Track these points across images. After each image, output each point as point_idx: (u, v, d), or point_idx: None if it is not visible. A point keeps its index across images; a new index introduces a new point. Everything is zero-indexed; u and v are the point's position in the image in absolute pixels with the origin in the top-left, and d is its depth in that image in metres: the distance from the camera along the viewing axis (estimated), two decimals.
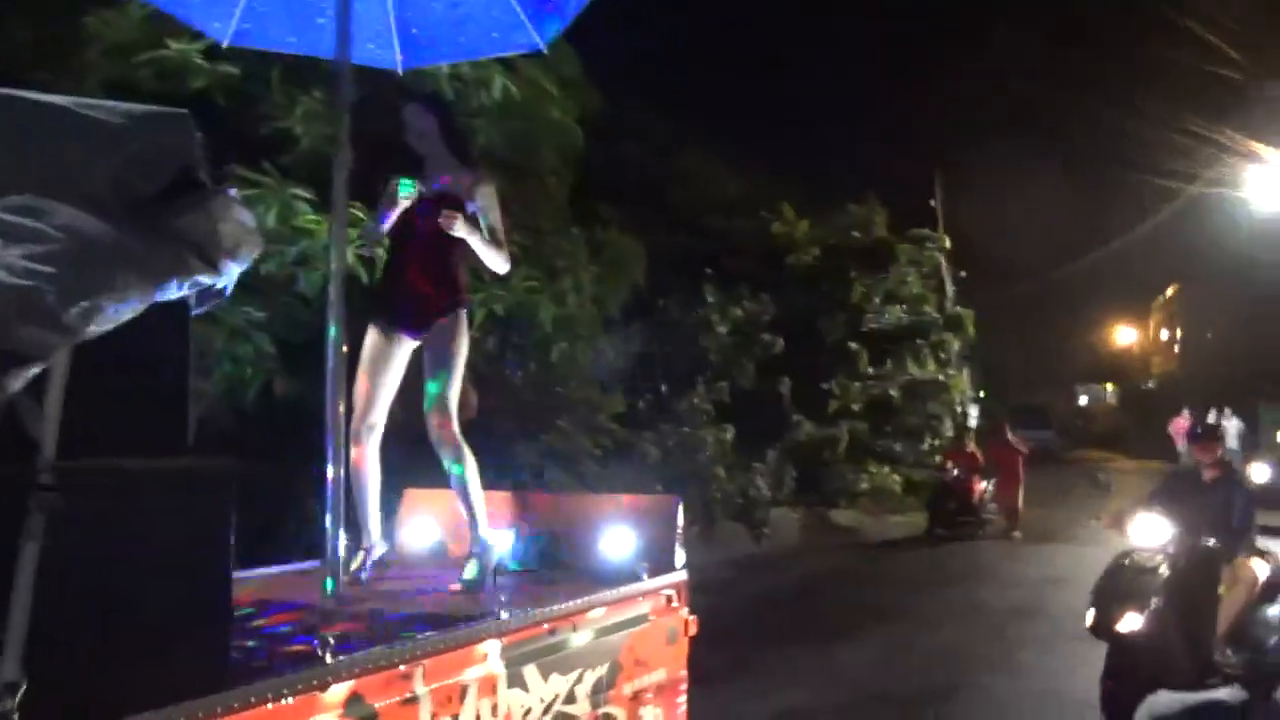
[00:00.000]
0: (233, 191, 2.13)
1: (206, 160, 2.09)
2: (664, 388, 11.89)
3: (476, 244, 3.51)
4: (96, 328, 1.77)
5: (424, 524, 4.13)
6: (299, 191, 5.10)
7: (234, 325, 4.84)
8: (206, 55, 5.15)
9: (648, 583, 3.43)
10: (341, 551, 3.26)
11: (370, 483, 3.59)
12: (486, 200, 3.58)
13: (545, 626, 2.90)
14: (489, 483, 3.83)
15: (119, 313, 1.81)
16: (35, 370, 1.68)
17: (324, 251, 4.03)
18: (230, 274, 2.07)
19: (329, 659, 2.20)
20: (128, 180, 1.91)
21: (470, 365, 3.94)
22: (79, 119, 1.87)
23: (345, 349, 3.27)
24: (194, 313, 2.48)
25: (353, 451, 3.51)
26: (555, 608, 2.97)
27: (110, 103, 1.95)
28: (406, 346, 3.62)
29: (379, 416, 3.56)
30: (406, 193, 3.41)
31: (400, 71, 4.27)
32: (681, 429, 11.41)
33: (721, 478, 11.96)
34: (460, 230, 3.43)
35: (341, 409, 3.26)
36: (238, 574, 3.58)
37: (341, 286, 3.28)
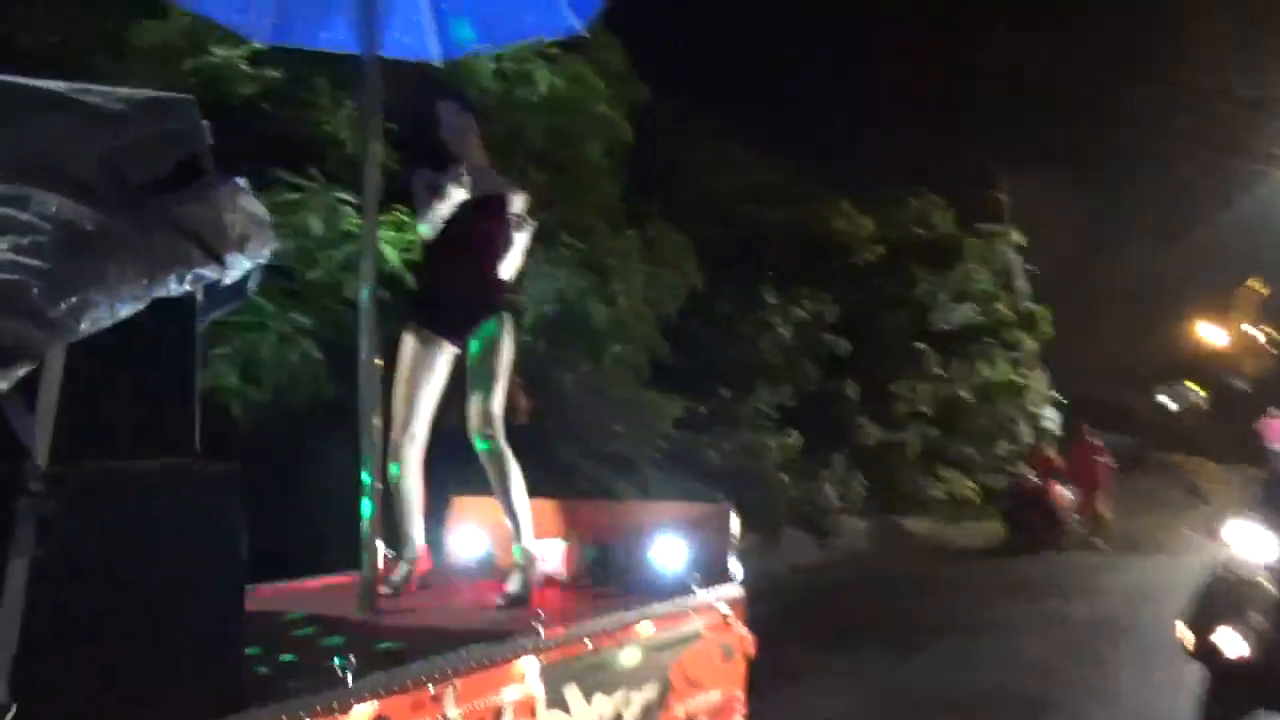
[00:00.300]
0: (241, 181, 2.00)
1: (212, 148, 1.97)
2: (725, 391, 11.63)
3: (520, 250, 3.42)
4: (89, 325, 1.65)
5: (472, 533, 4.00)
6: (344, 196, 5.03)
7: (282, 331, 4.79)
8: (251, 61, 5.13)
9: (701, 596, 3.22)
10: (381, 563, 3.15)
11: (413, 494, 3.46)
12: (522, 206, 3.47)
13: (588, 643, 2.72)
14: (544, 490, 3.68)
15: (115, 309, 1.68)
16: (21, 369, 1.56)
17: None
18: (238, 267, 1.94)
19: (350, 679, 2.05)
20: (125, 168, 1.79)
21: (519, 369, 3.79)
22: (72, 104, 1.75)
23: (380, 361, 3.17)
24: (219, 314, 2.37)
25: (392, 463, 3.39)
26: (599, 623, 2.79)
27: (109, 88, 1.83)
28: (449, 352, 3.48)
29: (421, 426, 3.43)
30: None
31: (439, 64, 4.17)
32: (744, 434, 11.15)
33: (786, 484, 11.66)
34: (524, 236, 3.35)
35: (376, 418, 3.16)
36: (274, 586, 3.51)
37: (373, 290, 3.18)
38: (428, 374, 3.42)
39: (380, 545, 3.15)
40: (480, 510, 3.93)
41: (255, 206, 2.02)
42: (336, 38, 3.79)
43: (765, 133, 16.05)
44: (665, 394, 8.95)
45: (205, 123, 2.10)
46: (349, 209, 4.99)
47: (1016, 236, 20.45)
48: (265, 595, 3.40)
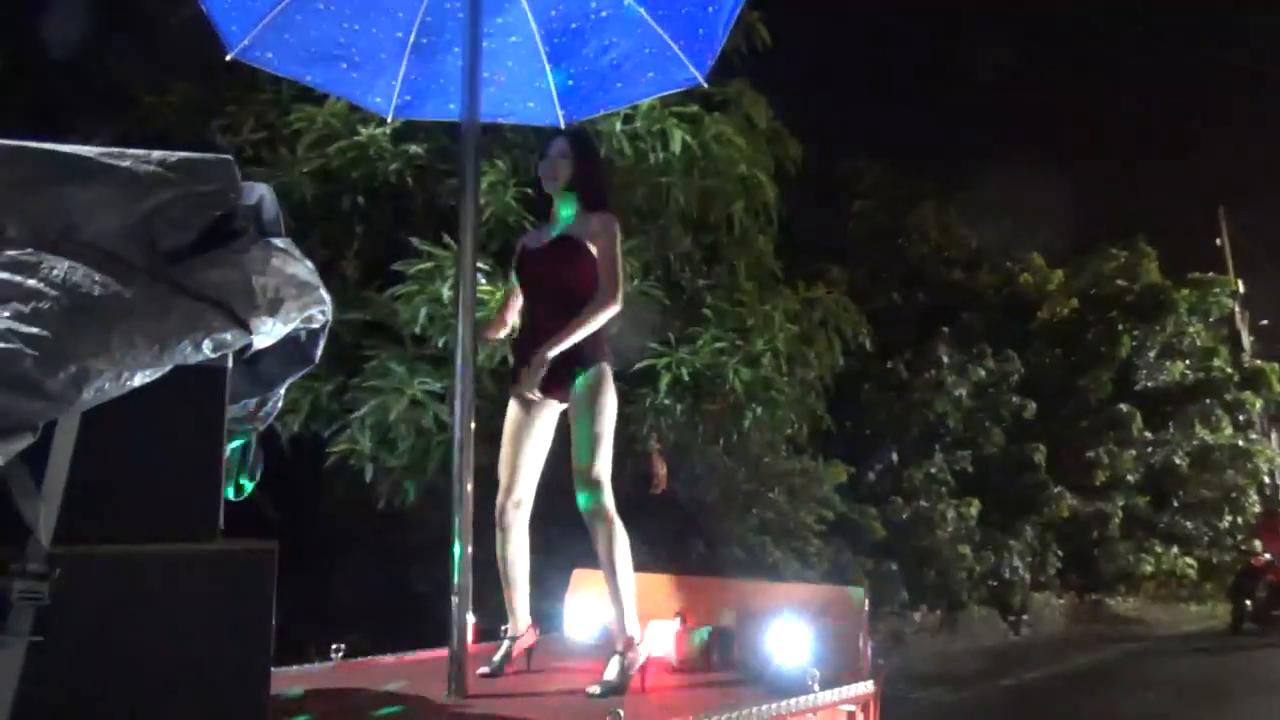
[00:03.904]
0: (279, 241, 1.91)
1: (251, 207, 1.90)
2: (894, 457, 10.91)
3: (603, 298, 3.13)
4: (94, 395, 1.57)
5: (591, 609, 3.78)
6: (480, 264, 5.06)
7: (413, 396, 4.82)
8: (394, 139, 5.30)
9: (822, 694, 2.84)
10: (470, 639, 2.98)
11: (518, 565, 3.27)
12: (600, 236, 3.16)
13: None
14: (676, 564, 3.42)
15: (123, 379, 1.61)
16: (17, 443, 1.50)
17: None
18: (268, 332, 1.83)
19: None
20: (154, 231, 1.74)
21: (660, 435, 3.58)
22: (99, 169, 1.72)
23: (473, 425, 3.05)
24: (286, 382, 2.29)
25: (498, 530, 3.23)
26: None
27: (144, 151, 1.80)
28: (550, 411, 3.31)
29: (525, 491, 3.25)
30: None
31: (563, 127, 4.13)
32: (916, 503, 10.38)
33: (967, 557, 10.73)
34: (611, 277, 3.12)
35: (470, 485, 3.02)
36: (381, 657, 3.41)
37: (471, 350, 3.07)
38: (529, 437, 3.25)
39: (470, 619, 2.97)
40: (601, 585, 3.71)
41: (294, 268, 1.92)
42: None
43: (974, 196, 15.58)
44: (825, 461, 8.48)
45: (261, 189, 2.06)
46: (481, 276, 5.01)
47: (1238, 285, 18.40)
48: (364, 667, 3.32)
